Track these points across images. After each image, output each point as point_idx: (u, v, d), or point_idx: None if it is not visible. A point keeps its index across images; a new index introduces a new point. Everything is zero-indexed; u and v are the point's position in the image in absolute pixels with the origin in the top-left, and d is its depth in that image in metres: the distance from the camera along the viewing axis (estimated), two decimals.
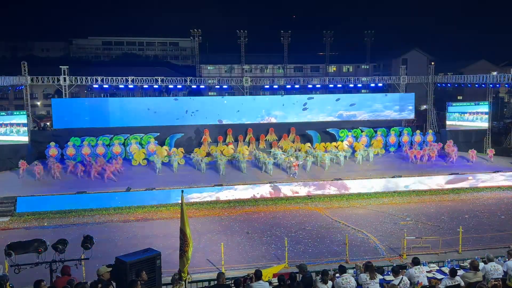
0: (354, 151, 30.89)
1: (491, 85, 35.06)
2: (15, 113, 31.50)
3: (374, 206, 22.53)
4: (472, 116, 35.37)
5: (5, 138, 29.78)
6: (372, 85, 38.65)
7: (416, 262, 9.92)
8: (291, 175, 26.11)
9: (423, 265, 10.66)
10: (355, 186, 25.01)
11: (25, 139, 30.11)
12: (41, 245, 8.91)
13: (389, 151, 32.78)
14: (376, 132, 34.19)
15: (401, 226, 19.04)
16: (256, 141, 33.38)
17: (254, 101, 34.90)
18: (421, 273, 9.65)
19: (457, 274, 9.52)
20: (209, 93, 45.91)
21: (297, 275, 9.69)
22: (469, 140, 35.07)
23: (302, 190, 24.44)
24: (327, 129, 34.67)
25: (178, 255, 9.75)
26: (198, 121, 32.86)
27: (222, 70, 60.82)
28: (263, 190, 24.26)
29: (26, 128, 30.21)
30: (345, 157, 29.26)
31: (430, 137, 33.97)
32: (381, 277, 9.89)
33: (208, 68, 60.63)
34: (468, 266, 9.94)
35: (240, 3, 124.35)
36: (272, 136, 34.14)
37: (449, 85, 41.06)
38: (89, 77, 33.54)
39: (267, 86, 38.07)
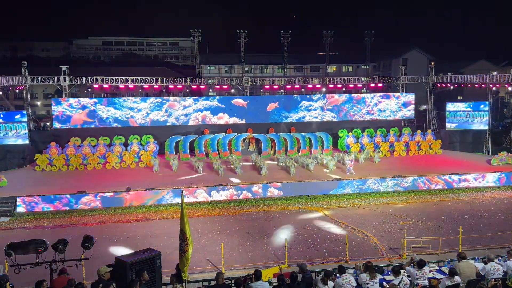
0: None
1: (491, 85, 35.07)
2: (15, 113, 31.55)
3: (374, 206, 22.51)
4: (472, 116, 35.37)
5: (5, 138, 29.81)
6: (372, 85, 38.62)
7: (421, 265, 9.68)
8: (348, 173, 27.03)
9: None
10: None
11: (25, 139, 30.14)
12: (41, 245, 8.87)
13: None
14: (376, 132, 34.22)
15: (401, 226, 19.03)
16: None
17: None
18: (423, 275, 9.60)
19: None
20: (209, 93, 45.88)
21: (298, 275, 9.68)
22: (469, 140, 35.08)
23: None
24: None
25: (178, 255, 9.75)
26: None
27: (222, 70, 60.77)
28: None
29: (26, 129, 30.24)
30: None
31: (429, 137, 33.98)
32: (381, 277, 9.87)
33: (208, 68, 60.58)
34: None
35: (240, 3, 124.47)
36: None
37: (449, 85, 41.08)
38: (89, 77, 33.57)
39: (267, 86, 38.06)
